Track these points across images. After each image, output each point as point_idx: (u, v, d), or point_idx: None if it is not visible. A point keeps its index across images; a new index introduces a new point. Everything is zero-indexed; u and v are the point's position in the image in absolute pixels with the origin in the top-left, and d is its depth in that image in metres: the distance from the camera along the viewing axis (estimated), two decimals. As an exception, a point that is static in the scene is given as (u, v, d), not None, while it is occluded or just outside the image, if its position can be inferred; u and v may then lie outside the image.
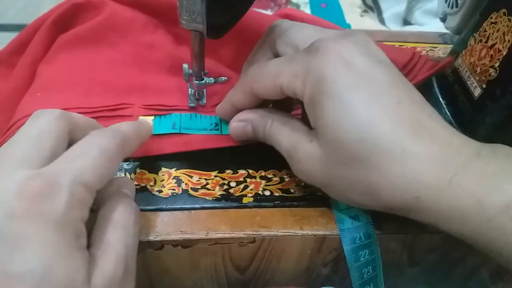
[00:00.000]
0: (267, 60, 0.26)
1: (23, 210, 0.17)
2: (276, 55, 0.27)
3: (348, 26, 0.62)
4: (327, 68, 0.22)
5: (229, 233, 0.24)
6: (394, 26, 0.62)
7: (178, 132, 0.28)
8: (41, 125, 0.20)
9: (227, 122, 0.28)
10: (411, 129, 0.20)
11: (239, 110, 0.27)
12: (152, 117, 0.29)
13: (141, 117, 0.29)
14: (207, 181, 0.27)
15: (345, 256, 0.24)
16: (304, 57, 0.23)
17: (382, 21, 0.63)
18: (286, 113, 0.26)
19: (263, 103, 0.27)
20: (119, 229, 0.20)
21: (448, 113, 0.33)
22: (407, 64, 0.34)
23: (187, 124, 0.29)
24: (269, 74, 0.24)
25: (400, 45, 0.41)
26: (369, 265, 0.25)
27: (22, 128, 0.20)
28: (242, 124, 0.27)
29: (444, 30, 0.38)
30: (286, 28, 0.26)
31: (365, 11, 0.66)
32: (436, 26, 0.52)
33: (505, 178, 0.19)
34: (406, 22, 0.63)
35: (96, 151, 0.20)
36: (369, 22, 0.64)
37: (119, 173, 0.27)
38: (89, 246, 0.19)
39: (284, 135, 0.25)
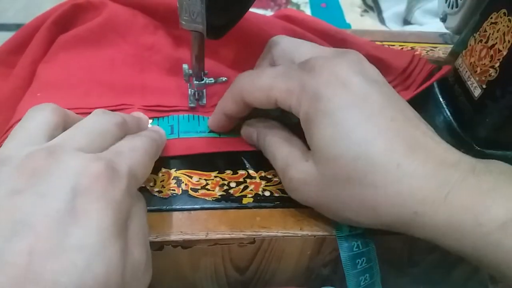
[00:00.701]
0: None
1: (87, 187, 0.17)
2: None
3: (348, 26, 0.62)
4: (323, 87, 0.22)
5: (229, 234, 0.24)
6: (394, 26, 0.62)
7: (177, 137, 0.28)
8: (105, 124, 0.22)
9: None
10: (405, 146, 0.21)
11: (231, 119, 0.28)
12: (151, 120, 0.29)
13: None
14: (207, 181, 0.27)
15: (342, 263, 0.24)
16: (299, 74, 0.23)
17: (382, 20, 0.63)
18: (290, 131, 0.27)
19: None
20: (133, 216, 0.20)
21: (448, 113, 0.33)
22: (406, 68, 0.34)
23: (185, 127, 0.29)
24: (262, 87, 0.24)
25: (400, 45, 0.41)
26: (367, 272, 0.24)
27: (86, 120, 0.22)
28: (251, 129, 0.28)
29: (444, 30, 0.38)
30: (285, 45, 0.27)
31: (365, 10, 0.66)
32: (436, 26, 0.52)
33: (501, 195, 0.19)
34: (406, 22, 0.63)
35: (141, 151, 0.22)
36: (369, 22, 0.64)
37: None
38: None
39: (280, 152, 0.25)
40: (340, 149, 0.21)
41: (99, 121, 0.22)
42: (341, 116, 0.21)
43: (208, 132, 0.29)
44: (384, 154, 0.20)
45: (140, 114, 0.28)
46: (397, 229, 0.21)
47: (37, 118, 0.21)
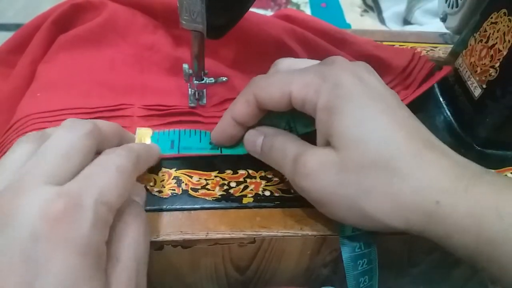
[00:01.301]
0: None
1: (47, 233, 0.16)
2: None
3: (348, 25, 0.62)
4: (344, 77, 0.23)
5: (229, 234, 0.24)
6: (394, 25, 0.62)
7: (177, 152, 0.28)
8: (71, 139, 0.20)
9: None
10: (423, 141, 0.21)
11: (238, 126, 0.27)
12: (151, 133, 0.29)
13: (138, 129, 0.29)
14: (207, 181, 0.27)
15: (344, 264, 0.24)
16: (318, 68, 0.24)
17: (382, 20, 0.63)
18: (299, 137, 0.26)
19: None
20: (129, 245, 0.20)
21: (448, 113, 0.33)
22: (406, 67, 0.34)
23: (186, 142, 0.29)
24: (278, 82, 0.24)
25: (400, 45, 0.41)
26: (366, 274, 0.24)
27: (51, 139, 0.20)
28: (257, 133, 0.27)
29: (445, 30, 0.38)
30: (289, 61, 0.28)
31: (365, 10, 0.67)
32: (437, 26, 0.52)
33: None
34: (406, 21, 0.63)
35: (113, 170, 0.20)
36: (369, 22, 0.64)
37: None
38: None
39: (291, 145, 0.24)
40: (365, 132, 0.21)
41: (66, 137, 0.20)
42: (364, 102, 0.22)
43: (210, 149, 0.29)
44: (408, 142, 0.21)
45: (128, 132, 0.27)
46: (414, 226, 0.21)
47: (17, 151, 0.20)
